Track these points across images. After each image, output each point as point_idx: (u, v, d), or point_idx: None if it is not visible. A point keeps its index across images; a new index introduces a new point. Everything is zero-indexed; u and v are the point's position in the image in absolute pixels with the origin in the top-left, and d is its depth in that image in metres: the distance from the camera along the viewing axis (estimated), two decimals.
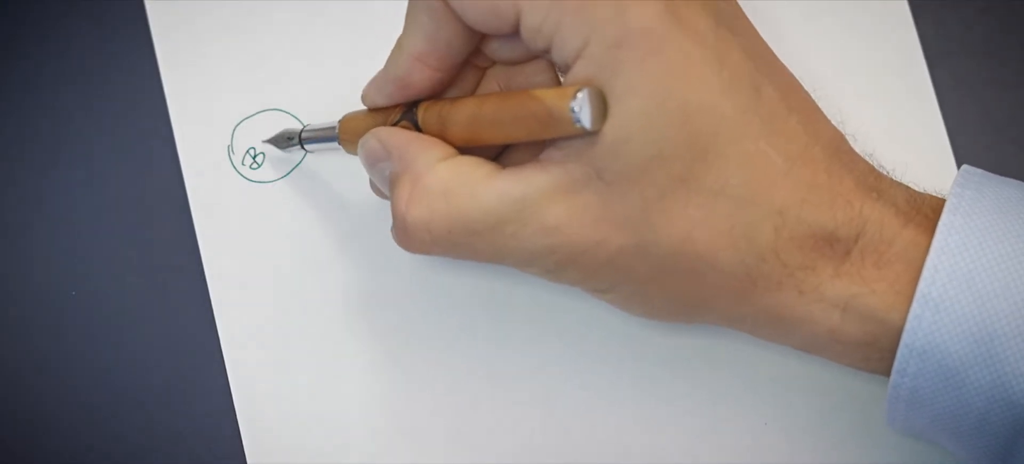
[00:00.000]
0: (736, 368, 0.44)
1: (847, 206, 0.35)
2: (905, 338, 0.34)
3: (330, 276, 0.45)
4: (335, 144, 0.42)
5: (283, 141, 0.45)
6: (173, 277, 0.46)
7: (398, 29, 0.39)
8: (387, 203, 0.46)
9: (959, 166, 0.45)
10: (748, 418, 0.44)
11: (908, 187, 0.37)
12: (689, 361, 0.44)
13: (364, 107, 0.41)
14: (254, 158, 0.46)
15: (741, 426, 0.44)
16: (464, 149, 0.38)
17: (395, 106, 0.40)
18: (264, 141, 0.46)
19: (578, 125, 0.33)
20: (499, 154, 0.41)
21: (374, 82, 0.40)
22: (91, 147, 0.47)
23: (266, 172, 0.46)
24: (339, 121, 0.42)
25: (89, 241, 0.46)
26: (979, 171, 0.36)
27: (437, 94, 0.39)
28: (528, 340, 0.45)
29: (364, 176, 0.47)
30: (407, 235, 0.37)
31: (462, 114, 0.37)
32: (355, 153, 0.41)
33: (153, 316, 0.45)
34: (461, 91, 0.40)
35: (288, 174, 0.46)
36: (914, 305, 0.34)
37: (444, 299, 0.45)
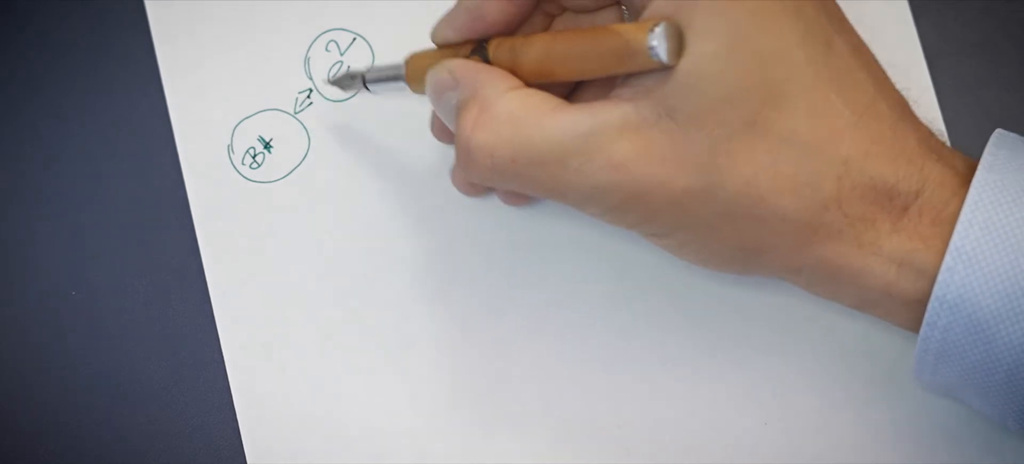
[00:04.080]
0: (736, 368, 0.44)
1: (909, 163, 0.35)
2: (937, 290, 0.34)
3: (330, 276, 0.45)
4: (401, 84, 0.42)
5: (346, 81, 0.44)
6: (173, 277, 0.46)
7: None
8: (387, 202, 0.46)
9: None
10: (748, 418, 0.44)
11: (966, 156, 0.37)
12: (689, 361, 0.44)
13: (433, 46, 0.41)
14: (254, 158, 0.46)
15: (741, 426, 0.44)
16: (534, 86, 0.38)
17: (465, 43, 0.39)
18: (328, 81, 0.45)
19: (655, 58, 0.34)
20: (569, 94, 0.41)
21: (445, 17, 0.40)
22: (91, 147, 0.47)
23: (266, 172, 0.46)
24: (406, 59, 0.41)
25: (89, 241, 0.46)
26: (1013, 134, 0.37)
27: (508, 31, 0.39)
28: (527, 340, 0.44)
29: (365, 172, 0.46)
30: (470, 160, 0.37)
31: (535, 48, 0.37)
32: (422, 92, 0.40)
33: (153, 316, 0.45)
34: (529, 33, 0.40)
35: (288, 174, 0.46)
36: (947, 257, 0.34)
37: (444, 299, 0.45)
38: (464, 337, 0.45)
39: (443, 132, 0.43)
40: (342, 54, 0.47)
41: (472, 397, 0.44)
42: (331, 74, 0.46)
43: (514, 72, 0.38)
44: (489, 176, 0.37)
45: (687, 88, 0.34)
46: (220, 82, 0.47)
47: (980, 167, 0.35)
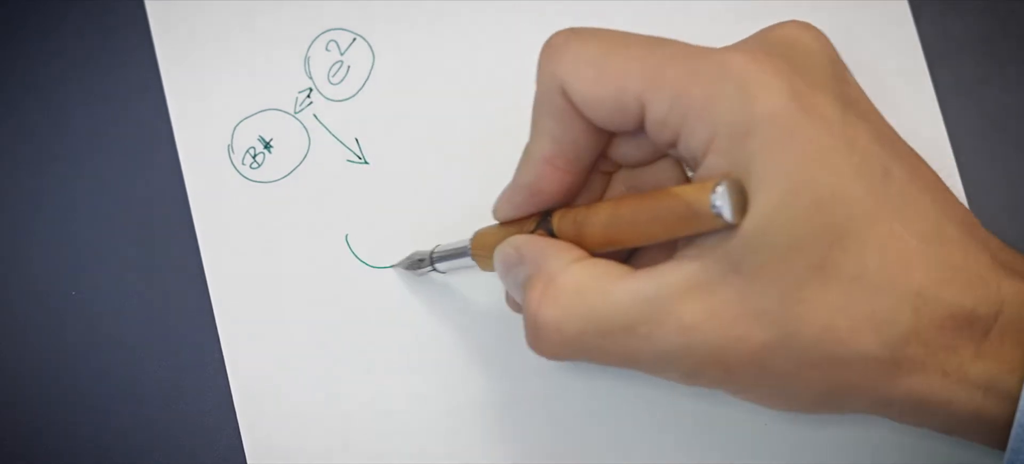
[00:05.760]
0: None
1: (984, 285, 0.34)
2: (1019, 416, 0.33)
3: (330, 275, 0.45)
4: (468, 260, 0.41)
5: (414, 263, 0.44)
6: (173, 277, 0.46)
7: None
8: (387, 203, 0.46)
9: (959, 166, 0.45)
10: (748, 418, 0.44)
11: None
12: None
13: (495, 222, 0.40)
14: (254, 157, 0.46)
15: (741, 426, 0.44)
16: (600, 254, 0.37)
17: (528, 217, 0.39)
18: (393, 266, 0.45)
19: (720, 218, 0.33)
20: (629, 257, 0.40)
21: (504, 195, 0.39)
22: (91, 147, 0.47)
23: (266, 172, 0.46)
24: (471, 237, 0.41)
25: (89, 241, 0.46)
26: None
27: (568, 201, 0.39)
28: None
29: (361, 178, 0.46)
30: (539, 336, 0.36)
31: (599, 217, 0.36)
32: (489, 268, 0.40)
33: (153, 316, 0.45)
34: (589, 198, 0.40)
35: (288, 174, 0.46)
36: None
37: (444, 298, 0.45)
38: (464, 336, 0.45)
39: (515, 303, 0.42)
40: (342, 54, 0.47)
41: (472, 396, 0.44)
42: (398, 260, 0.45)
43: (579, 242, 0.37)
44: (559, 351, 0.36)
45: (751, 241, 0.33)
46: (220, 82, 0.47)
47: None
